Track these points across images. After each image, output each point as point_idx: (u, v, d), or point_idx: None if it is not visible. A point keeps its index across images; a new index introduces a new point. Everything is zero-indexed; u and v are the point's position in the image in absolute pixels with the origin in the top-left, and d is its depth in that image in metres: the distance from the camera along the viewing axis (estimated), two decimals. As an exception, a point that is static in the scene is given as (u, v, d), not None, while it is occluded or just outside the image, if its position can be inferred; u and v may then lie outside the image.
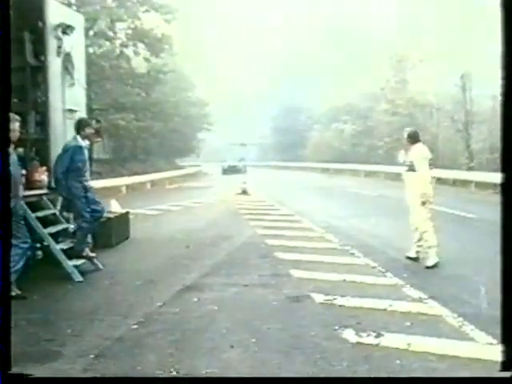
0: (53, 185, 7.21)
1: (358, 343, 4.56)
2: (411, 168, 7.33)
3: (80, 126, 7.29)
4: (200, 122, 42.04)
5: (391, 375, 3.90)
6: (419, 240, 7.34)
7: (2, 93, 3.39)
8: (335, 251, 8.43)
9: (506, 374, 2.65)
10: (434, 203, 7.46)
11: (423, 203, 7.21)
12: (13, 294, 5.72)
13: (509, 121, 3.16)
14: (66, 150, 7.09)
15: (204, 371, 3.99)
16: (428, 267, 7.03)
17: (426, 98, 31.45)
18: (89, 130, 7.32)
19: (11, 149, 5.93)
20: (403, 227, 6.91)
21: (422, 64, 31.75)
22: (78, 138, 7.21)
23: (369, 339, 4.62)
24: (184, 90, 38.37)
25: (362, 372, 3.98)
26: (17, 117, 5.91)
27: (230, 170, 42.57)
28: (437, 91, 30.95)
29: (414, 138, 7.48)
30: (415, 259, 7.41)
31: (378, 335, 4.69)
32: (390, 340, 4.57)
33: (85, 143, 7.29)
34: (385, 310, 5.41)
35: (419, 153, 7.38)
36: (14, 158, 5.95)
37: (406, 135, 7.55)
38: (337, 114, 42.91)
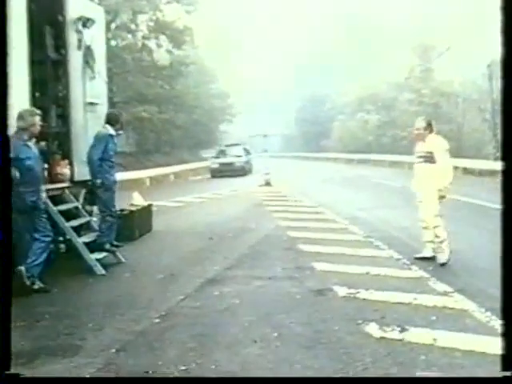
0: (76, 178, 7.25)
1: (382, 338, 4.45)
2: (428, 159, 6.83)
3: (110, 118, 7.48)
4: (223, 113, 41.55)
5: (416, 371, 3.80)
6: (436, 236, 6.83)
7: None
8: (359, 243, 8.30)
9: (506, 374, 2.57)
10: (458, 194, 7.26)
11: (441, 198, 6.81)
12: (35, 287, 5.80)
13: (509, 107, 3.04)
14: (98, 138, 7.18)
15: (225, 367, 3.95)
16: (443, 264, 6.63)
17: (452, 88, 30.89)
18: (117, 124, 7.45)
19: (33, 143, 5.96)
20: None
21: (449, 53, 31.13)
22: (109, 126, 7.31)
23: (393, 334, 4.52)
24: (206, 82, 38.29)
25: (386, 367, 3.89)
26: (37, 111, 5.94)
27: (223, 172, 27.08)
28: (463, 80, 30.37)
29: (430, 128, 7.00)
30: (432, 258, 6.86)
31: (403, 330, 4.58)
32: (415, 335, 4.46)
33: (115, 132, 7.42)
34: (409, 303, 5.29)
35: (440, 143, 6.90)
36: (35, 152, 5.99)
37: (421, 124, 7.01)
38: (361, 104, 42.42)
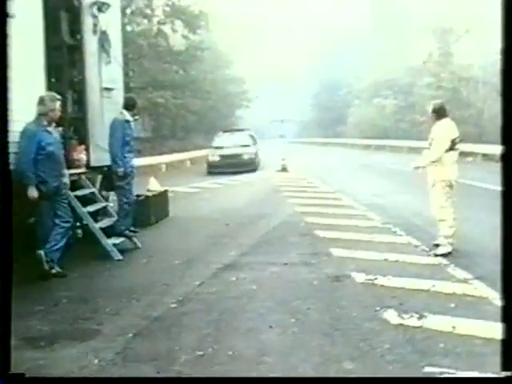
0: (92, 163, 7.26)
1: (400, 325, 4.41)
2: (430, 145, 6.64)
3: (128, 103, 7.48)
4: (238, 98, 41.28)
5: (435, 359, 3.75)
6: (451, 227, 6.56)
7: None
8: (377, 229, 8.23)
9: (507, 374, 2.52)
10: (475, 180, 7.10)
11: (449, 186, 6.55)
12: (53, 271, 5.84)
13: (509, 93, 2.97)
14: (116, 125, 7.18)
15: (241, 352, 3.94)
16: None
17: (472, 72, 30.33)
18: (134, 109, 7.47)
19: (53, 128, 5.97)
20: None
21: (468, 36, 30.53)
22: (125, 112, 7.31)
23: (411, 321, 4.47)
24: (222, 67, 38.10)
25: (404, 355, 3.84)
26: (57, 96, 5.94)
27: (224, 167, 20.38)
28: (483, 64, 29.79)
29: (439, 113, 6.68)
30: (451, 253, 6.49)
31: (421, 317, 4.53)
32: (434, 322, 4.41)
33: (131, 118, 7.41)
34: (428, 290, 5.23)
35: (440, 130, 6.60)
36: (56, 137, 6.01)
37: (430, 109, 6.76)
38: (378, 90, 41.93)
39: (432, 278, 5.52)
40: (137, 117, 7.66)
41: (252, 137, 23.13)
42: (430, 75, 33.49)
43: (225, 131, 24.59)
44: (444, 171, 6.51)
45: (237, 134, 23.22)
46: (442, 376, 3.01)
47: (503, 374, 2.56)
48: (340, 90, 52.38)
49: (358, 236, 7.61)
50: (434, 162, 6.50)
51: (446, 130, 6.58)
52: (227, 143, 21.73)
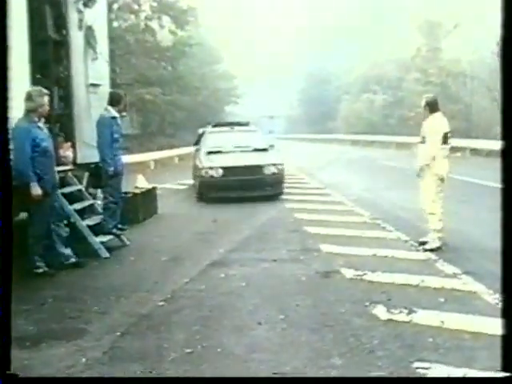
0: (78, 160, 7.18)
1: (390, 320, 4.41)
2: (423, 140, 6.60)
3: (113, 99, 7.37)
4: (228, 95, 41.11)
5: (424, 354, 3.75)
6: (440, 221, 6.53)
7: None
8: (366, 225, 8.25)
9: (506, 374, 2.52)
10: (467, 175, 7.11)
11: (440, 180, 6.51)
12: (40, 270, 5.77)
13: (509, 84, 2.95)
14: (103, 123, 7.10)
15: (230, 349, 3.92)
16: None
17: (460, 67, 30.44)
18: (119, 105, 7.35)
19: (42, 123, 5.89)
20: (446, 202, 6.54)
21: (456, 31, 30.64)
22: (111, 108, 7.23)
23: (400, 316, 4.47)
24: (211, 63, 37.90)
25: (394, 350, 3.84)
26: (45, 91, 5.84)
27: (231, 188, 11.05)
28: (471, 59, 29.94)
29: (431, 107, 6.62)
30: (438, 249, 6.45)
31: (410, 312, 4.54)
32: (423, 317, 4.42)
33: (118, 114, 7.32)
34: (417, 285, 5.24)
35: (433, 124, 6.56)
36: (46, 132, 5.92)
37: (423, 103, 6.71)
38: (366, 84, 42.06)
39: (421, 273, 5.53)
40: (124, 113, 7.54)
41: (271, 130, 16.37)
42: (419, 70, 33.61)
43: (219, 125, 14.39)
44: (436, 165, 6.47)
45: (241, 131, 13.46)
46: (442, 376, 3.01)
47: (503, 374, 2.56)
48: (329, 84, 52.43)
49: (347, 232, 7.61)
50: (433, 156, 6.44)
51: (440, 124, 6.56)
52: (228, 145, 12.19)
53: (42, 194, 5.67)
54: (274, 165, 11.29)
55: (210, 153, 11.75)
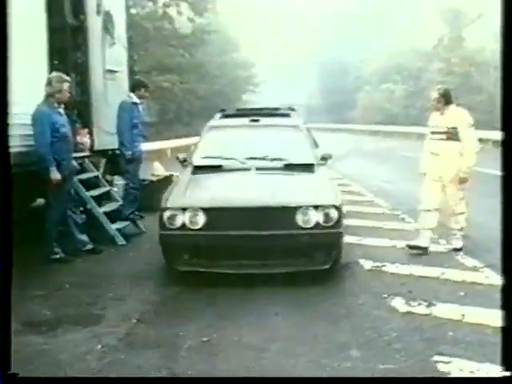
0: (96, 147, 7.17)
1: (408, 312, 4.34)
2: (451, 136, 5.89)
3: (134, 84, 7.37)
4: (246, 83, 40.81)
5: (444, 347, 3.67)
6: (456, 223, 6.08)
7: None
8: (385, 216, 8.13)
9: (506, 374, 2.44)
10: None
11: (463, 180, 5.93)
12: (57, 256, 5.79)
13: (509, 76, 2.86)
14: (123, 107, 7.07)
15: (247, 338, 3.85)
16: (457, 249, 6.00)
17: (483, 56, 29.89)
18: (140, 92, 7.28)
19: (62, 109, 5.88)
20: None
21: (480, 19, 30.06)
22: (133, 95, 7.21)
23: (420, 309, 4.40)
24: (229, 51, 37.70)
25: (412, 343, 3.76)
26: (66, 77, 5.82)
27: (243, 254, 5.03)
28: (495, 47, 29.34)
29: (448, 98, 6.01)
30: (426, 249, 5.99)
31: (430, 305, 4.46)
32: (443, 310, 4.33)
33: (139, 101, 7.28)
34: (437, 278, 5.15)
35: (464, 117, 5.95)
36: (65, 118, 5.92)
37: (437, 94, 6.01)
38: (387, 75, 41.51)
39: (441, 266, 5.43)
40: (142, 100, 7.47)
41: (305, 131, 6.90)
42: (441, 60, 33.08)
43: (232, 115, 7.55)
44: (471, 160, 5.89)
45: (270, 127, 6.65)
46: (442, 376, 2.94)
47: (503, 374, 2.48)
48: (348, 74, 51.91)
49: (366, 223, 7.51)
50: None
51: (468, 114, 6.04)
52: (238, 154, 6.02)
53: (60, 180, 5.66)
54: (323, 208, 4.99)
55: (198, 169, 5.87)
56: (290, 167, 5.74)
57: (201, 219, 4.94)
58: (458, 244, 6.09)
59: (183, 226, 4.95)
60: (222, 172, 5.75)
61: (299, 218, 4.92)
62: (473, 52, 30.64)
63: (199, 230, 4.93)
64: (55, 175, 5.61)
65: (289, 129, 6.65)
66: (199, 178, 5.73)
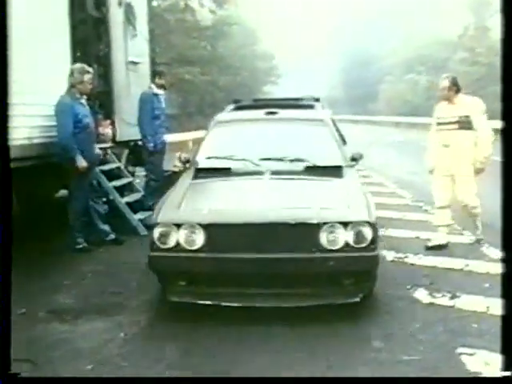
0: (118, 138, 7.21)
1: (432, 304, 4.29)
2: (464, 125, 5.59)
3: (153, 75, 7.39)
4: (267, 75, 40.78)
5: (468, 339, 3.62)
6: (474, 215, 5.85)
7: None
8: (407, 207, 8.05)
9: (506, 374, 2.39)
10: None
11: (479, 171, 5.64)
12: (80, 246, 5.85)
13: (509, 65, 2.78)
14: (144, 98, 7.11)
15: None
16: (480, 240, 5.83)
17: (509, 46, 29.26)
18: (160, 80, 7.29)
19: (84, 100, 5.93)
20: (480, 184, 6.17)
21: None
22: (153, 86, 7.22)
23: (443, 300, 4.34)
24: (249, 43, 37.62)
25: (436, 334, 3.72)
26: (88, 68, 5.85)
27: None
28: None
29: (458, 86, 5.71)
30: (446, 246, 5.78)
31: (454, 296, 4.40)
32: (467, 302, 4.27)
33: (159, 91, 7.29)
34: (461, 269, 5.08)
35: (477, 105, 5.62)
36: (88, 110, 5.96)
37: (445, 83, 5.69)
38: (410, 65, 41.05)
39: (465, 257, 5.35)
40: (163, 90, 7.46)
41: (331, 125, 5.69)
42: (466, 50, 32.56)
43: (246, 106, 6.54)
44: (487, 150, 5.59)
45: (289, 121, 5.63)
46: (441, 376, 2.90)
47: (503, 374, 2.43)
48: (371, 65, 51.39)
49: (389, 214, 7.43)
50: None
51: (481, 102, 5.77)
52: (250, 154, 5.04)
53: (87, 167, 5.71)
54: (354, 225, 3.93)
55: (201, 173, 4.98)
56: (312, 170, 4.78)
57: (199, 238, 3.92)
58: (480, 234, 5.91)
59: (177, 246, 3.95)
60: (229, 177, 4.78)
61: (323, 238, 3.87)
62: (498, 42, 29.94)
63: (197, 251, 3.93)
64: (81, 162, 5.66)
65: (312, 123, 5.62)
66: (201, 184, 4.79)
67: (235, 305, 3.91)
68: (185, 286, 4.08)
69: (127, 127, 7.33)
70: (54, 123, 5.64)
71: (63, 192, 6.78)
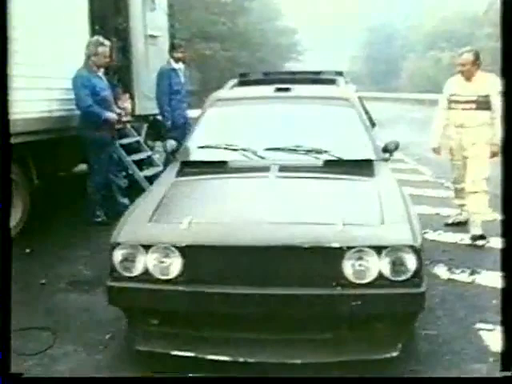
0: (137, 112, 7.21)
1: (451, 280, 4.25)
2: (482, 105, 5.15)
3: (171, 48, 7.30)
4: (289, 51, 40.25)
5: (487, 315, 3.58)
6: (477, 205, 5.27)
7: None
8: (428, 184, 7.99)
9: (506, 374, 2.35)
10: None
11: (494, 155, 5.16)
12: (99, 219, 5.91)
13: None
14: (161, 74, 7.06)
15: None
16: (476, 237, 5.19)
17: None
18: (177, 54, 7.21)
19: (102, 73, 5.92)
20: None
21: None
22: (171, 61, 7.17)
23: (462, 276, 4.31)
24: (271, 18, 37.17)
25: (455, 309, 3.69)
26: (103, 41, 5.78)
27: None
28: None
29: (479, 62, 5.21)
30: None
31: (473, 272, 4.36)
32: (487, 278, 4.22)
33: (178, 66, 7.22)
34: (481, 246, 5.01)
35: (497, 83, 4.78)
36: (106, 83, 5.95)
37: (469, 57, 5.18)
38: (434, 42, 40.19)
39: (486, 234, 5.26)
40: (181, 64, 7.38)
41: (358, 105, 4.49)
42: (491, 25, 31.68)
43: (261, 79, 5.58)
44: (492, 131, 5.17)
45: (305, 100, 4.49)
46: (441, 376, 2.87)
47: (503, 374, 2.40)
48: (394, 41, 50.48)
49: (409, 190, 7.31)
50: None
51: (499, 81, 4.88)
52: (253, 142, 3.99)
53: (117, 119, 5.78)
54: (392, 250, 2.79)
55: (188, 168, 3.92)
56: (334, 166, 3.71)
57: (175, 264, 2.84)
58: (478, 230, 5.25)
59: (145, 274, 2.87)
60: (224, 173, 3.69)
61: (348, 268, 2.76)
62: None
63: (172, 282, 2.84)
64: (110, 115, 5.69)
65: (334, 102, 4.42)
66: (186, 183, 3.68)
67: (224, 359, 2.82)
68: (157, 326, 2.97)
69: (146, 101, 7.31)
70: (73, 96, 5.65)
71: (82, 167, 6.82)
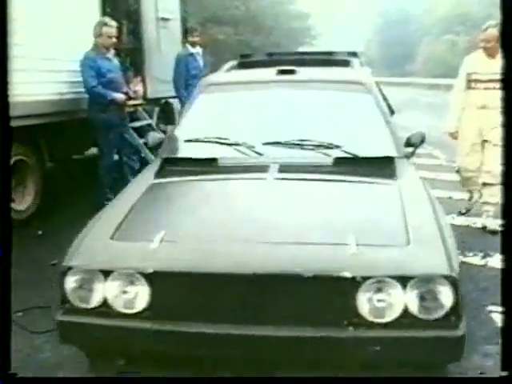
0: (148, 95, 7.19)
1: (463, 262, 4.19)
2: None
3: (186, 32, 7.32)
4: (302, 35, 39.84)
5: (499, 297, 3.53)
6: (492, 195, 5.00)
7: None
8: (441, 167, 7.98)
9: (506, 374, 2.32)
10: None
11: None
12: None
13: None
14: (178, 59, 7.08)
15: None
16: (492, 231, 4.94)
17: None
18: (193, 38, 7.21)
19: (112, 54, 5.89)
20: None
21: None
22: (188, 45, 7.20)
23: (475, 259, 4.29)
24: (284, 2, 36.79)
25: (468, 292, 3.65)
26: (108, 21, 5.70)
27: None
28: None
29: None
30: None
31: (486, 255, 4.33)
32: (499, 261, 4.15)
33: (195, 50, 7.22)
34: (494, 229, 4.95)
35: None
36: (115, 64, 5.92)
37: (494, 32, 4.77)
38: (449, 25, 39.57)
39: (499, 218, 5.20)
40: (197, 48, 7.35)
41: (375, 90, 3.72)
42: (508, 7, 31.15)
43: (262, 60, 4.78)
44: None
45: (316, 84, 3.78)
46: (441, 376, 2.84)
47: (502, 374, 2.34)
48: (409, 25, 49.78)
49: (423, 174, 7.24)
50: None
51: None
52: (252, 135, 3.31)
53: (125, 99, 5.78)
54: (421, 281, 2.15)
55: (170, 166, 3.23)
56: (346, 165, 3.08)
57: (142, 295, 2.25)
58: (492, 224, 5.01)
59: (104, 306, 2.29)
60: (212, 174, 3.07)
61: (364, 303, 2.16)
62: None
63: (137, 317, 2.25)
64: (116, 96, 5.66)
65: (347, 87, 3.70)
66: (164, 186, 3.04)
67: None
68: (124, 367, 2.38)
69: (158, 84, 7.29)
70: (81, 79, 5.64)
71: (93, 150, 6.83)
